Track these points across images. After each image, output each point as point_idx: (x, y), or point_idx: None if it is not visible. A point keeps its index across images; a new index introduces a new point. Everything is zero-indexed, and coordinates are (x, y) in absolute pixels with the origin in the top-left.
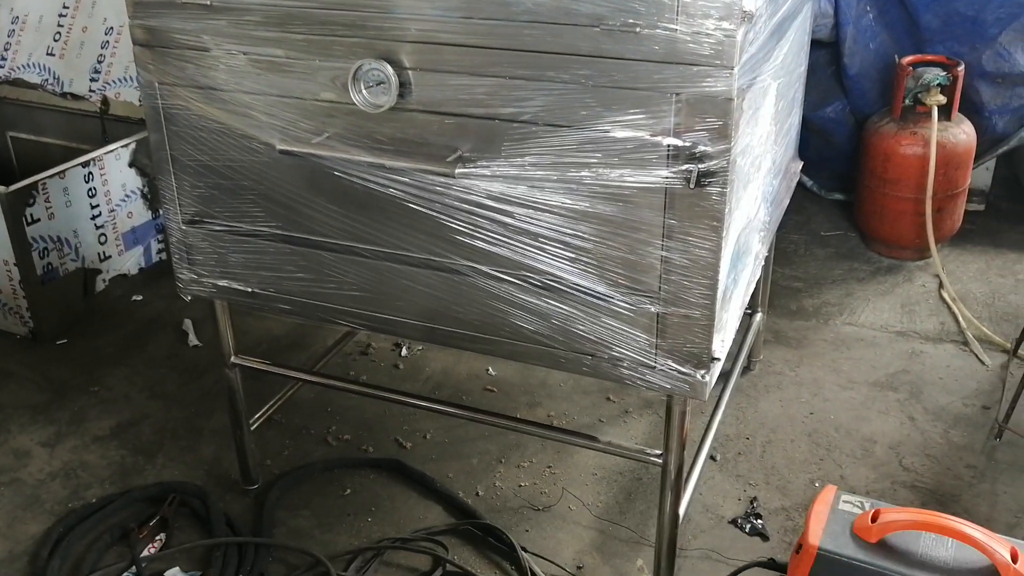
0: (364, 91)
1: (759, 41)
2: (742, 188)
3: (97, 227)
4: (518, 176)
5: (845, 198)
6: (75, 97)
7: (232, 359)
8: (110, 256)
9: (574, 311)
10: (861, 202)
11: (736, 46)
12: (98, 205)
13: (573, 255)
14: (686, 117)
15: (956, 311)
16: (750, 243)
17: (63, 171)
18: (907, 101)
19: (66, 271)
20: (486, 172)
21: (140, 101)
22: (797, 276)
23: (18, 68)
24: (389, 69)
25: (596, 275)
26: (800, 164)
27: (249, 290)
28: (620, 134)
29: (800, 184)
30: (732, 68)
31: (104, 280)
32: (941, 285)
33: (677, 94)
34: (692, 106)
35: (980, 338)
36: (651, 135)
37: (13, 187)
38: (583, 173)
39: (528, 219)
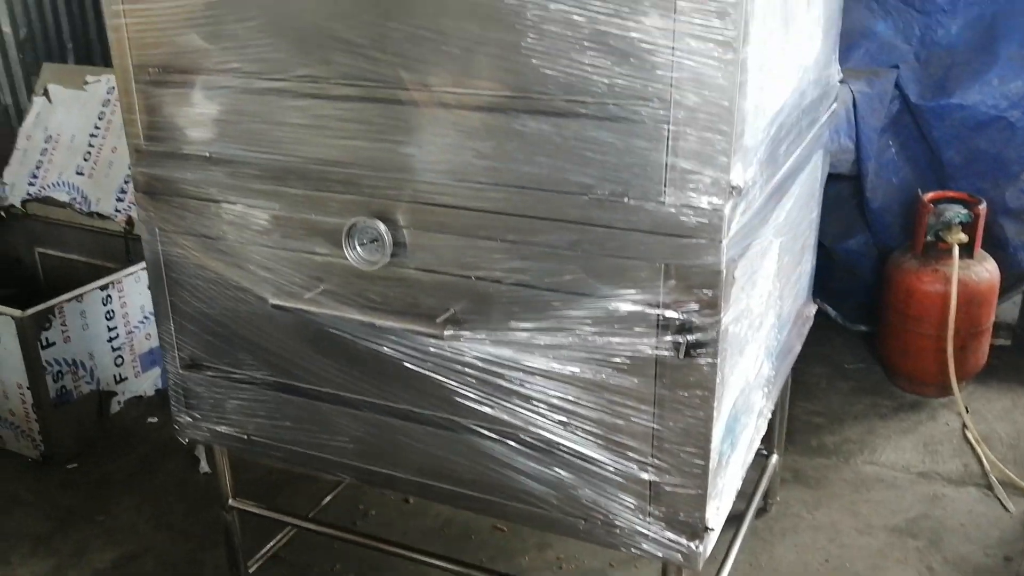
0: (358, 248)
1: (753, 208)
2: (738, 354)
3: (114, 349)
4: (508, 340)
5: (869, 330)
6: (101, 216)
7: (229, 502)
8: (126, 378)
9: (567, 475)
10: (884, 336)
11: (724, 220)
12: (116, 327)
13: (564, 419)
14: (675, 288)
15: (980, 452)
16: (751, 402)
17: (81, 294)
18: (929, 237)
19: (80, 394)
20: (476, 334)
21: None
22: (819, 411)
23: (48, 186)
24: (382, 227)
25: (587, 440)
26: (814, 308)
27: (245, 436)
28: (608, 302)
29: (824, 314)
30: (720, 241)
31: (119, 402)
32: (965, 425)
33: (665, 265)
34: (681, 277)
35: (1004, 482)
36: (639, 304)
37: (29, 311)
38: (571, 339)
39: (518, 381)
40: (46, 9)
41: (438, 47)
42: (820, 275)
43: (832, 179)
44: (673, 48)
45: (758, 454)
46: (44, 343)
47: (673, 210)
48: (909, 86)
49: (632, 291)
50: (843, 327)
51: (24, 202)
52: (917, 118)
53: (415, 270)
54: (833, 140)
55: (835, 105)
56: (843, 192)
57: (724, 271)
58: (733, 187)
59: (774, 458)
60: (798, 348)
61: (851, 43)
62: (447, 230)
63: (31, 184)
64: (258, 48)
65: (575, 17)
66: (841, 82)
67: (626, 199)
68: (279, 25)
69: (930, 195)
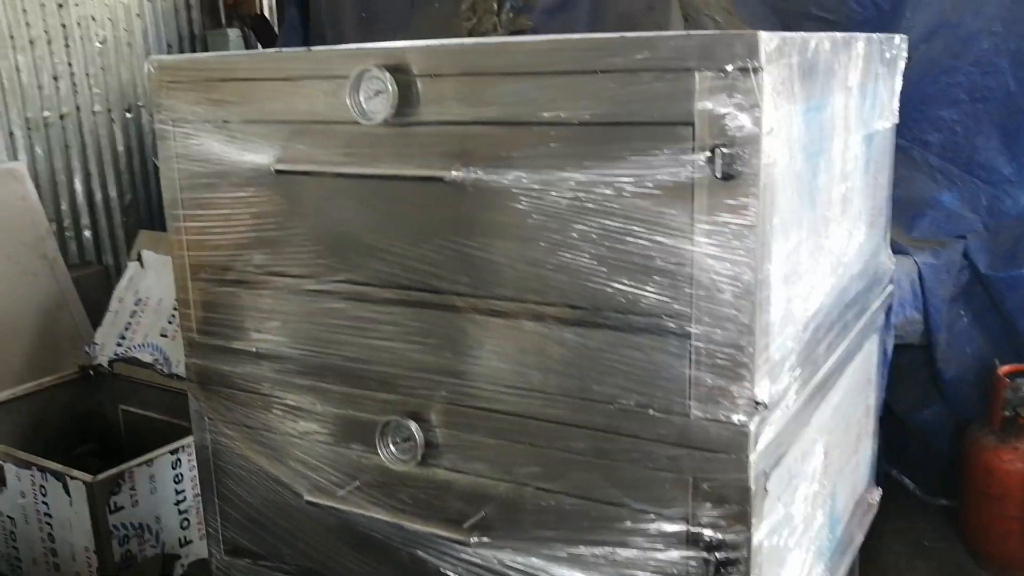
0: (391, 446)
1: (788, 415)
2: (777, 566)
3: (180, 512)
4: (536, 549)
5: (949, 503)
6: (179, 378)
7: None
8: (191, 541)
9: None
10: (965, 514)
11: (750, 436)
12: (183, 491)
13: None
14: (703, 502)
15: None
16: None
17: (151, 459)
18: (1006, 412)
19: (144, 557)
20: (503, 541)
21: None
22: None
23: (134, 347)
24: (414, 427)
25: None
26: (878, 492)
27: None
28: (635, 514)
29: (902, 486)
30: (747, 457)
31: (182, 564)
32: None
33: (693, 478)
34: (708, 492)
35: None
36: (666, 519)
37: (100, 476)
38: (597, 550)
39: None
40: (150, 177)
41: (469, 261)
42: (895, 446)
43: (903, 349)
44: (692, 268)
45: None
46: (112, 507)
47: (698, 424)
48: (978, 256)
49: (659, 504)
50: (921, 500)
51: (111, 362)
52: (988, 288)
53: (446, 470)
54: (898, 313)
55: (890, 287)
56: (916, 361)
57: (753, 487)
58: (758, 403)
59: None
60: (860, 538)
61: (916, 213)
62: (477, 432)
63: (119, 345)
64: (302, 255)
65: (594, 236)
66: (906, 253)
67: (651, 411)
68: (320, 235)
69: (1006, 368)
